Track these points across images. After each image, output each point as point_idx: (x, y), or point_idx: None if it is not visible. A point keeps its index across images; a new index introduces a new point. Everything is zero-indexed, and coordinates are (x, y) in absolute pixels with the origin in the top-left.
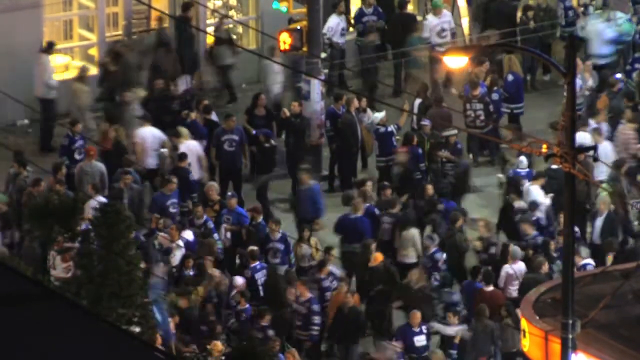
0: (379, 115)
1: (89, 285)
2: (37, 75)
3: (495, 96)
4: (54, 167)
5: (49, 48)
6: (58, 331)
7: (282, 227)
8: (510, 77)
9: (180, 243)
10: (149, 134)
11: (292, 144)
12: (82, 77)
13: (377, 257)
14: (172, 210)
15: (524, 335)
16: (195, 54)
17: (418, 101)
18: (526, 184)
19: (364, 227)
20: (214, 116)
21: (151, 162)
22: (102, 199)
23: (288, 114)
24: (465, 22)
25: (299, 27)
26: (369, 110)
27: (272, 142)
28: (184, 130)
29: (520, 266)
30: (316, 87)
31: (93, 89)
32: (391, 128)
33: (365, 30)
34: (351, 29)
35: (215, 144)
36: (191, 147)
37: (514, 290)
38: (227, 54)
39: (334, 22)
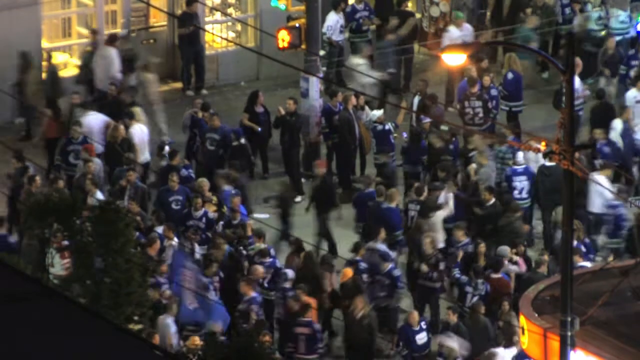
0: (377, 113)
1: (88, 283)
2: (101, 67)
3: (493, 92)
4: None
5: (112, 40)
6: (57, 329)
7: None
8: (510, 75)
9: (175, 240)
10: (95, 121)
11: (287, 142)
12: (147, 66)
13: (347, 273)
14: (174, 206)
15: (523, 333)
16: (198, 51)
17: (417, 98)
18: (594, 174)
19: (393, 218)
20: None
21: (100, 148)
22: (101, 196)
23: (283, 112)
24: None
25: (297, 25)
26: (366, 107)
27: (242, 140)
28: (137, 110)
29: (507, 267)
30: (315, 85)
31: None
32: (389, 126)
33: (359, 26)
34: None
35: (200, 142)
36: (137, 130)
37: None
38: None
39: (333, 20)
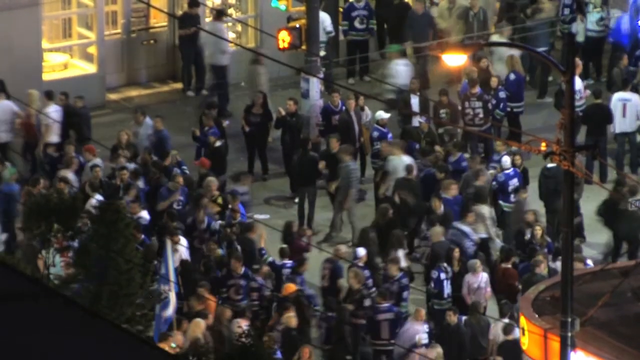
0: (383, 115)
1: (88, 284)
2: (211, 42)
3: (502, 94)
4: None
5: (219, 15)
6: (56, 330)
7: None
8: (512, 76)
9: (183, 242)
10: (1, 109)
11: (288, 143)
12: (257, 59)
13: (289, 287)
14: (175, 206)
15: (523, 333)
16: (198, 52)
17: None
18: None
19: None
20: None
21: (4, 136)
22: (100, 197)
23: (284, 112)
24: None
25: (297, 26)
26: (366, 108)
27: (218, 142)
28: (34, 93)
29: (481, 278)
30: (315, 86)
31: (270, 71)
32: (387, 129)
33: (355, 25)
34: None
35: None
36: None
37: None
38: None
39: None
